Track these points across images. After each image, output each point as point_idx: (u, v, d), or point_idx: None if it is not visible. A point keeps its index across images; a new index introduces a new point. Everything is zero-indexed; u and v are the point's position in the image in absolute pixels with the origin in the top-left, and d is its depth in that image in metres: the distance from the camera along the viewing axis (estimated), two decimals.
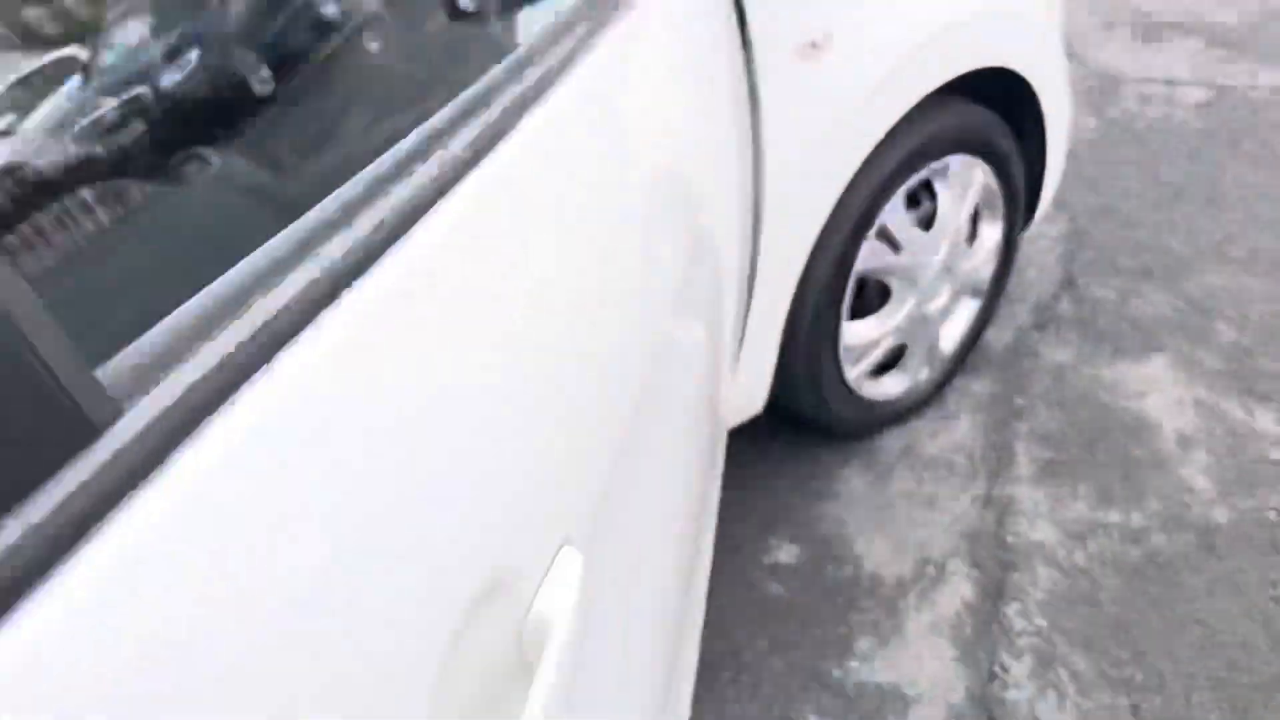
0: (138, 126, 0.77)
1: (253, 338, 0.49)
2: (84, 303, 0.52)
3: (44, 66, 0.74)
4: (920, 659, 1.49)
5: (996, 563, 1.61)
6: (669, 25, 1.16)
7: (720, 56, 1.26)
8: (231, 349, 0.48)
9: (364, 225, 0.58)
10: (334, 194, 0.60)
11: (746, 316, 1.50)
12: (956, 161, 1.64)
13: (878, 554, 1.65)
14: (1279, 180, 2.48)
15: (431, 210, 0.63)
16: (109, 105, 0.75)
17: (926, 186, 1.66)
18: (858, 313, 1.67)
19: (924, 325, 1.75)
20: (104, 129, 0.75)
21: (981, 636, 1.50)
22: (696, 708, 1.19)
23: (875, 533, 1.68)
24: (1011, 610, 1.53)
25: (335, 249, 0.56)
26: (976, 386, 1.95)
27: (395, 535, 0.54)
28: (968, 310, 1.88)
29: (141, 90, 0.78)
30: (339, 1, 0.94)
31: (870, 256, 1.59)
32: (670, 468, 1.06)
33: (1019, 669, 1.45)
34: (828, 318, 1.59)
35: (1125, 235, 2.33)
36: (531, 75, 0.82)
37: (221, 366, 0.47)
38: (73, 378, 0.39)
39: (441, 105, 0.73)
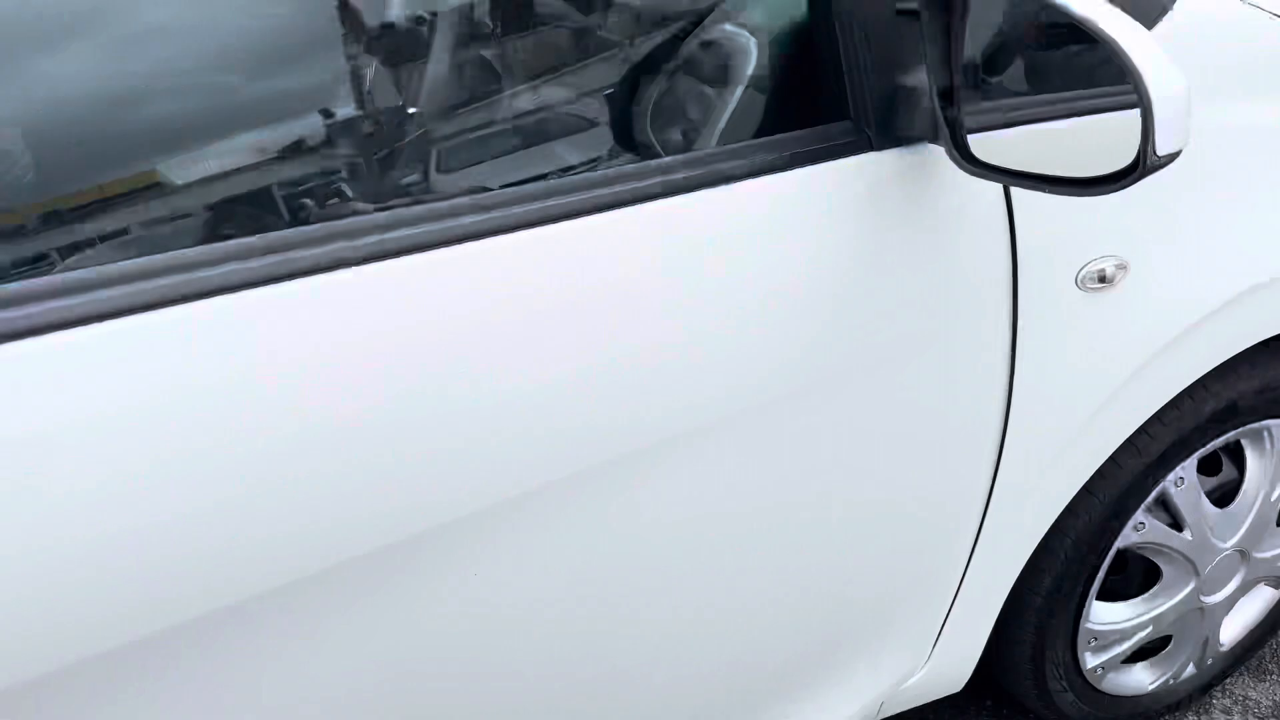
0: None
1: None
2: None
3: None
4: None
5: None
6: (912, 205, 0.90)
7: (978, 269, 0.98)
8: None
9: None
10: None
11: (963, 578, 1.19)
12: (1278, 426, 1.26)
13: None
14: None
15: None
16: None
17: (1231, 449, 1.29)
18: (1110, 590, 1.31)
19: (1200, 617, 1.36)
20: None
21: None
22: None
23: None
24: None
25: None
26: (1257, 694, 1.51)
27: None
28: (1261, 600, 1.46)
29: None
30: None
31: (1140, 530, 1.23)
32: None
33: None
34: (1069, 594, 1.25)
35: None
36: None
37: None
38: None
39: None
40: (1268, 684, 1.53)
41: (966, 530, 1.13)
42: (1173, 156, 0.75)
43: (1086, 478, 1.14)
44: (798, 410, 0.90)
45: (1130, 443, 1.14)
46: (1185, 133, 0.74)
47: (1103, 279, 1.02)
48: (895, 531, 1.07)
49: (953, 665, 1.24)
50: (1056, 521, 1.17)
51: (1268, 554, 1.37)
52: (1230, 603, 1.39)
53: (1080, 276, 1.02)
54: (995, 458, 1.09)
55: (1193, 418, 1.16)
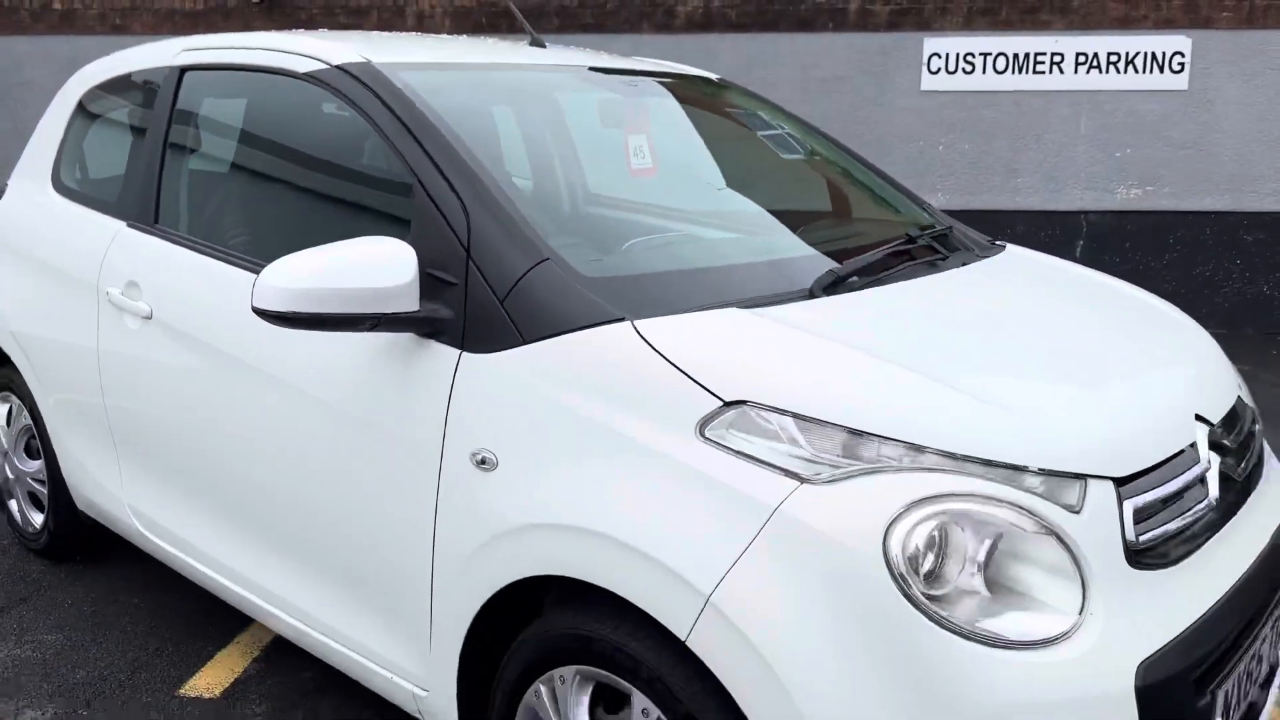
0: None
1: None
2: None
3: None
4: None
5: None
6: None
7: (428, 436, 2.09)
8: None
9: None
10: None
11: (431, 619, 2.18)
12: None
13: None
14: None
15: None
16: None
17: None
18: None
19: None
20: None
21: None
22: None
23: None
24: None
25: None
26: None
27: None
28: None
29: None
30: None
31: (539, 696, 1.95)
32: None
33: None
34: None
35: None
36: None
37: None
38: None
39: None
40: None
41: (420, 581, 1.98)
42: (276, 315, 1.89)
43: (484, 595, 1.88)
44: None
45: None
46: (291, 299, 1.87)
47: (481, 462, 1.88)
48: (370, 540, 2.06)
49: (444, 695, 2.04)
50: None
51: None
52: None
53: (475, 453, 1.89)
54: (431, 533, 1.96)
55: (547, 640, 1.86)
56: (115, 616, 3.15)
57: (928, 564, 1.52)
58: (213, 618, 3.09)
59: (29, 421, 3.38)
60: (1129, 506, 1.64)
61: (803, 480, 1.58)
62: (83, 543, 3.46)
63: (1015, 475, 1.60)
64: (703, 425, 1.67)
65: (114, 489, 2.96)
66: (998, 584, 1.54)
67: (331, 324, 1.92)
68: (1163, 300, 2.58)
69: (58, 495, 3.29)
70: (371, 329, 1.95)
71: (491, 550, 1.86)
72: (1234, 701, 1.74)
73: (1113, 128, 7.26)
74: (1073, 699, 1.50)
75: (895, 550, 1.50)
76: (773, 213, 2.59)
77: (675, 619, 1.61)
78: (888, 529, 1.52)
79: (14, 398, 3.44)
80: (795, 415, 1.63)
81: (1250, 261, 7.36)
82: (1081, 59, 7.18)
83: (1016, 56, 7.23)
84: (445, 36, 3.16)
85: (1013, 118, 7.32)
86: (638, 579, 1.66)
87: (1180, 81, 7.12)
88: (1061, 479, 1.61)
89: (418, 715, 2.17)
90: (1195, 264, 7.40)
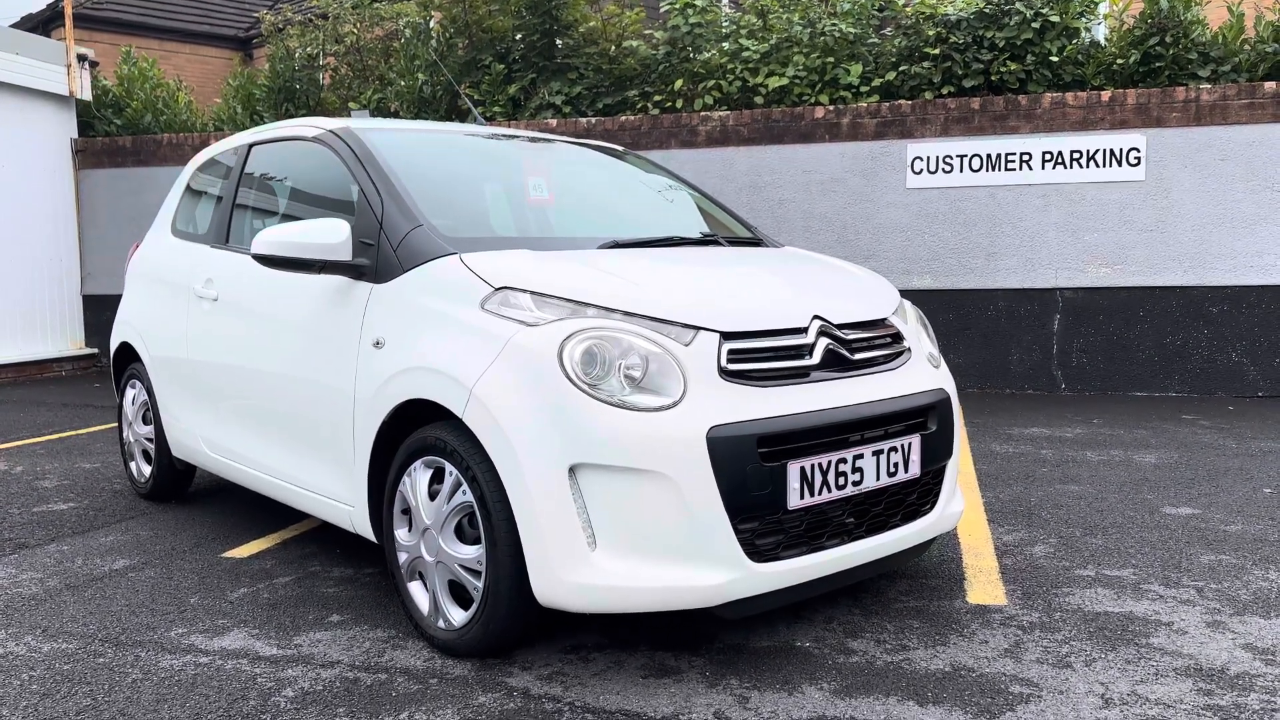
0: None
1: None
2: None
3: None
4: None
5: None
6: None
7: (351, 332, 3.28)
8: None
9: None
10: None
11: (354, 451, 3.31)
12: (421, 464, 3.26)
13: None
14: None
15: None
16: None
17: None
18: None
19: (425, 563, 3.17)
20: None
21: None
22: None
23: None
24: None
25: None
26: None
27: None
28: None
29: None
30: None
31: (403, 485, 3.24)
32: None
33: None
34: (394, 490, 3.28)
35: None
36: None
37: None
38: None
39: None
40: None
41: (348, 426, 3.22)
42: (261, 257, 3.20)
43: (380, 419, 3.13)
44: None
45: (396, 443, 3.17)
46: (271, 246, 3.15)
47: (377, 344, 3.14)
48: (322, 409, 3.24)
49: (361, 505, 3.25)
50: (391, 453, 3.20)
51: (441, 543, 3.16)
52: (437, 564, 3.21)
53: (375, 341, 3.15)
54: (353, 394, 3.20)
55: (408, 447, 3.12)
56: (189, 523, 4.49)
57: (596, 367, 2.67)
58: (253, 524, 4.38)
59: (145, 398, 4.81)
60: (725, 346, 2.76)
61: (526, 325, 2.77)
62: (174, 488, 4.84)
63: (654, 323, 2.75)
64: (483, 301, 2.90)
65: (192, 428, 4.34)
66: (635, 379, 2.67)
67: (297, 265, 3.24)
68: (863, 269, 3.69)
69: (160, 449, 4.69)
70: (320, 271, 3.26)
71: (381, 391, 3.11)
72: (818, 482, 2.78)
73: (1079, 214, 8.23)
74: (669, 434, 2.61)
75: (565, 356, 2.67)
76: (616, 222, 3.86)
77: (457, 404, 2.81)
78: (561, 345, 2.68)
79: (139, 384, 4.89)
80: (530, 292, 2.84)
81: (1217, 331, 8.08)
82: (1048, 156, 8.24)
83: (989, 156, 8.35)
84: (427, 121, 4.58)
85: (989, 209, 8.39)
86: (441, 387, 2.88)
87: (1138, 173, 8.09)
88: (680, 327, 2.76)
89: (351, 527, 3.36)
90: (1165, 334, 8.17)
